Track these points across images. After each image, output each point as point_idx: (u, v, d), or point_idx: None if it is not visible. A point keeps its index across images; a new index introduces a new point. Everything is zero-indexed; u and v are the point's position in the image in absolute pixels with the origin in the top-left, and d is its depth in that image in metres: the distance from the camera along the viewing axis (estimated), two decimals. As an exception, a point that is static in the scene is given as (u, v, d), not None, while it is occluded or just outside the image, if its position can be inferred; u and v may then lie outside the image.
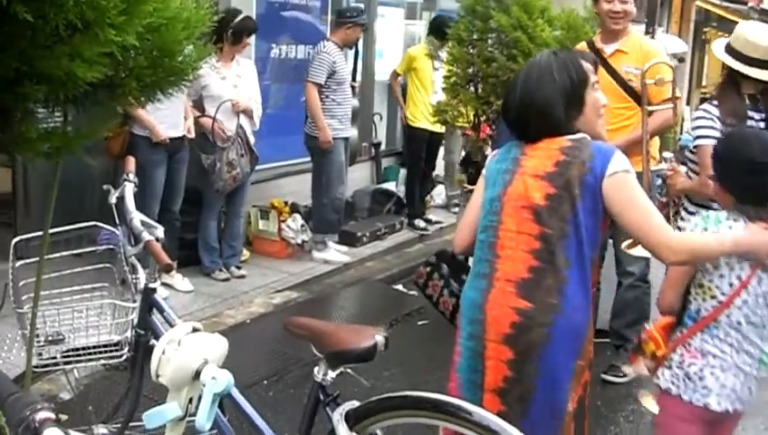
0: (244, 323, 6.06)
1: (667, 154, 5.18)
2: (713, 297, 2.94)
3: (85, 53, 2.14)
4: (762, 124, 4.23)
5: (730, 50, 4.27)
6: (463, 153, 8.87)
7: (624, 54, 5.15)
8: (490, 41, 6.86)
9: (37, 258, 3.35)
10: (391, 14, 10.39)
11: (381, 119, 10.27)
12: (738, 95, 4.28)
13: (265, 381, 5.09)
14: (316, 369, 2.86)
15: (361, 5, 8.65)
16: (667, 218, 4.26)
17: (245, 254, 7.34)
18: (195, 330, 2.12)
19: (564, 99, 2.95)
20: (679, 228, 3.87)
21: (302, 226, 7.65)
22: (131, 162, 3.61)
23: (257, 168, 6.99)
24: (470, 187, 6.82)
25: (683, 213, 4.56)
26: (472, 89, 6.95)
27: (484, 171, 3.14)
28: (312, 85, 7.30)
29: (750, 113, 4.25)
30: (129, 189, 3.44)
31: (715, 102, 4.32)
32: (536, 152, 2.96)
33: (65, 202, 5.06)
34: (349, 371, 2.93)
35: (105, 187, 3.66)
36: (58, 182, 2.97)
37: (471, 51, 6.89)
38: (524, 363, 2.86)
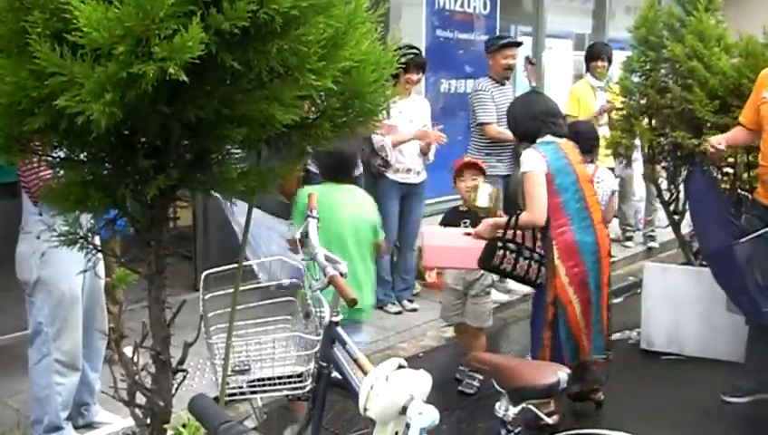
0: (416, 357, 6.12)
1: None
2: None
3: (284, 96, 2.24)
4: None
5: None
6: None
7: None
8: (663, 71, 6.69)
9: (224, 290, 3.47)
10: (559, 46, 10.34)
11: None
12: None
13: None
14: (498, 404, 2.87)
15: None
16: None
17: (417, 287, 7.41)
18: (400, 366, 2.17)
19: None
20: None
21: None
22: (315, 199, 3.73)
23: (427, 201, 7.08)
24: None
25: None
26: (646, 120, 6.79)
27: (543, 169, 4.55)
28: (487, 126, 7.15)
29: None
30: (313, 226, 3.55)
31: None
32: (569, 150, 4.71)
33: (233, 237, 5.28)
34: (530, 407, 2.92)
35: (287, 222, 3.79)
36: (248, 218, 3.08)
37: (644, 81, 6.74)
38: None
